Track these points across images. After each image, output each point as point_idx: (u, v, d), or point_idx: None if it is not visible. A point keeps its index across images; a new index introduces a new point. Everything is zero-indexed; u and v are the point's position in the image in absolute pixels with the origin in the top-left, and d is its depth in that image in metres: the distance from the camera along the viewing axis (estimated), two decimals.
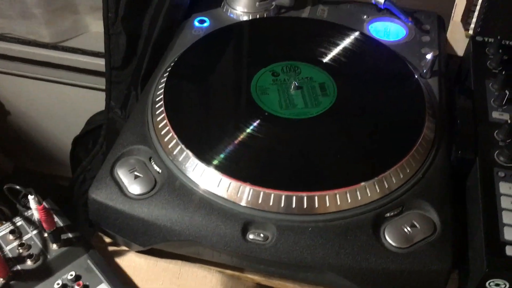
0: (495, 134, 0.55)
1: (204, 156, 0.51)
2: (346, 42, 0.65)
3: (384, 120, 0.57)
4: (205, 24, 0.70)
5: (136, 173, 0.52)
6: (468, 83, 0.63)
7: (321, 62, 0.62)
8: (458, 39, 0.71)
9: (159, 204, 0.50)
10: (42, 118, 1.21)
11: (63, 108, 1.17)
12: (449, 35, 0.71)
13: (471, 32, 0.69)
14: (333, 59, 0.63)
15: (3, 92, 1.17)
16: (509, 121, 0.55)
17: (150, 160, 0.53)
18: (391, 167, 0.51)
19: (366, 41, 0.66)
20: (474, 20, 0.68)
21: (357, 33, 0.66)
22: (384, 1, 0.68)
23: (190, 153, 0.51)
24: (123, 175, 0.52)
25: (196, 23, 0.70)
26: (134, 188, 0.51)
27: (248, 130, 0.54)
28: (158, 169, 0.52)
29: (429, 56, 0.61)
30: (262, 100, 0.57)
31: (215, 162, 0.51)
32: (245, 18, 0.70)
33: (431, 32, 0.70)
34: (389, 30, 0.70)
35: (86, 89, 1.08)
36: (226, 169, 0.50)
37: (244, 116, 0.56)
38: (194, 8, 0.73)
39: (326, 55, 0.63)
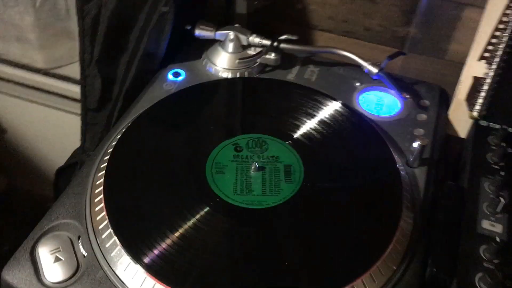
0: (480, 251, 0.47)
1: (132, 247, 0.44)
2: (325, 115, 0.58)
3: (350, 221, 0.49)
4: (180, 78, 0.64)
5: (58, 254, 0.46)
6: (462, 178, 0.55)
7: (292, 138, 0.55)
8: (461, 119, 0.63)
9: None
10: (38, 140, 1.19)
11: (57, 133, 1.14)
12: (451, 113, 0.63)
13: (475, 114, 0.61)
14: (306, 136, 0.55)
15: (1, 110, 1.15)
16: (498, 240, 0.47)
17: (78, 240, 0.47)
18: (348, 284, 0.43)
19: (349, 116, 0.58)
20: (480, 101, 0.60)
21: (339, 106, 0.59)
22: (378, 71, 0.60)
23: (117, 241, 0.45)
24: (43, 256, 0.46)
25: (170, 76, 0.64)
26: (52, 273, 0.45)
27: (192, 221, 0.47)
28: (84, 252, 0.46)
29: (415, 145, 0.53)
30: (215, 181, 0.50)
31: (143, 258, 0.44)
32: (224, 75, 0.64)
33: (430, 109, 0.62)
34: (382, 103, 0.62)
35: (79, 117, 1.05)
36: (155, 269, 0.43)
37: (189, 201, 0.49)
38: (173, 57, 0.67)
39: (298, 129, 0.56)
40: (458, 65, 0.70)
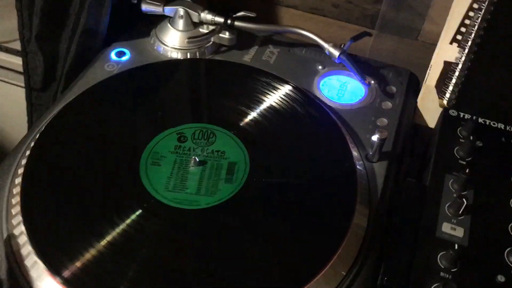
0: (438, 259, 0.42)
1: (50, 259, 0.39)
2: (278, 102, 0.52)
3: (296, 222, 0.44)
4: (124, 58, 0.58)
5: None
6: (425, 175, 0.50)
7: (240, 130, 0.50)
8: (431, 107, 0.57)
9: None
10: None
11: (15, 109, 1.08)
12: (420, 100, 0.58)
13: (445, 102, 0.56)
14: (257, 127, 0.50)
15: None
16: (456, 246, 0.42)
17: None
18: None
19: (304, 104, 0.52)
20: (450, 88, 0.55)
21: (293, 92, 0.53)
22: (339, 54, 0.54)
23: (33, 252, 0.40)
24: None
25: (113, 56, 0.58)
26: None
27: (112, 218, 0.42)
28: None
29: (374, 138, 0.48)
30: (148, 173, 0.45)
31: (62, 271, 0.39)
32: (174, 55, 0.58)
33: (397, 96, 0.57)
34: (345, 88, 0.57)
35: None
36: (75, 284, 0.38)
37: (115, 195, 0.44)
38: (118, 35, 0.61)
39: (249, 119, 0.51)
40: (432, 47, 0.64)
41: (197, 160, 0.46)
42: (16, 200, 0.43)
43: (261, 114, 0.51)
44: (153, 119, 0.51)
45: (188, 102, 0.54)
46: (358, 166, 0.48)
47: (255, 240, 0.42)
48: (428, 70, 0.56)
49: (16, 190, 0.44)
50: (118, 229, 0.41)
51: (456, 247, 0.42)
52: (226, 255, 0.41)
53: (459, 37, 0.53)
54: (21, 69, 0.90)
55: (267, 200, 0.45)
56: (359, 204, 0.45)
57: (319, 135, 0.50)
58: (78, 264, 0.39)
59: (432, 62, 0.56)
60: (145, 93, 0.53)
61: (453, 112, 0.54)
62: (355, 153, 0.49)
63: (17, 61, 0.91)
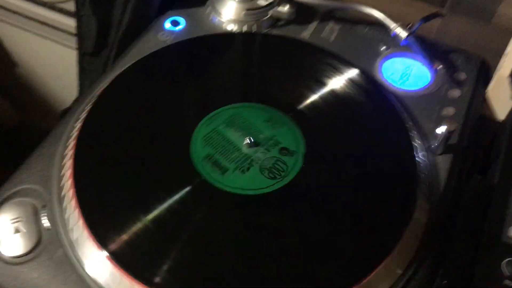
0: (502, 265, 0.39)
1: (97, 228, 0.39)
2: (337, 84, 0.49)
3: (351, 216, 0.42)
4: (179, 27, 0.56)
5: (18, 225, 0.41)
6: (492, 172, 0.47)
7: (298, 113, 0.47)
8: (502, 98, 0.53)
9: (28, 275, 0.39)
10: (49, 76, 1.14)
11: (68, 70, 1.09)
12: (490, 91, 0.54)
13: None
14: (311, 109, 0.48)
15: (11, 43, 1.10)
16: None
17: (44, 209, 0.42)
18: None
19: (365, 87, 0.49)
20: None
21: (354, 73, 0.50)
22: (407, 36, 0.51)
23: (81, 219, 0.39)
24: (2, 226, 0.41)
25: (168, 25, 0.56)
26: (9, 246, 0.40)
27: (167, 203, 0.40)
28: (48, 225, 0.41)
29: (441, 130, 0.44)
30: (197, 152, 0.44)
31: (110, 243, 0.38)
32: (229, 27, 0.56)
33: (466, 84, 0.53)
34: (409, 73, 0.53)
35: None
36: (122, 258, 0.37)
37: (168, 179, 0.42)
38: (173, 3, 0.59)
39: (303, 100, 0.48)
40: (507, 32, 0.60)
41: (252, 140, 0.44)
42: (67, 169, 0.42)
43: (319, 97, 0.48)
44: (207, 96, 0.49)
45: (244, 80, 0.51)
46: (419, 158, 0.45)
47: (312, 229, 0.40)
48: (502, 58, 0.52)
49: (68, 159, 0.43)
50: (165, 205, 0.40)
51: None
52: (283, 245, 0.39)
53: None
54: (74, 31, 0.89)
55: (321, 191, 0.43)
56: (419, 200, 0.42)
57: (380, 123, 0.47)
58: (124, 236, 0.38)
59: (508, 50, 0.51)
60: (198, 68, 0.51)
61: None
62: (417, 144, 0.46)
63: (70, 23, 0.90)
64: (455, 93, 0.52)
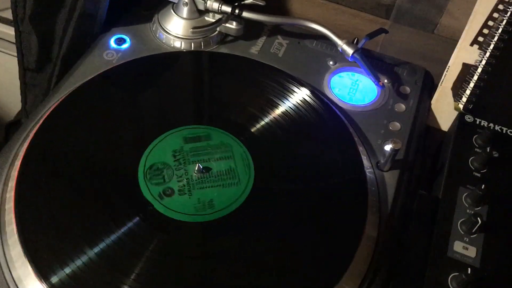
0: (449, 281, 0.41)
1: (39, 262, 0.38)
2: (286, 102, 0.50)
3: (301, 236, 0.42)
4: (124, 46, 0.55)
5: None
6: (437, 185, 0.48)
7: (244, 132, 0.47)
8: (445, 110, 0.55)
9: None
10: None
11: (14, 81, 1.05)
12: (434, 102, 0.55)
13: (461, 106, 0.53)
14: (261, 127, 0.48)
15: None
16: (469, 268, 0.41)
17: None
18: None
19: (315, 105, 0.49)
20: (467, 92, 0.52)
21: (304, 91, 0.50)
22: (353, 53, 0.51)
23: (22, 252, 0.38)
24: None
25: (112, 43, 0.55)
26: None
27: (115, 233, 0.39)
28: None
29: (387, 148, 0.45)
30: (148, 181, 0.43)
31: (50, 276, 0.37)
32: (177, 44, 0.55)
33: (410, 98, 0.54)
34: (356, 87, 0.54)
35: None
36: None
37: (112, 201, 0.41)
38: (118, 20, 0.57)
39: (252, 119, 0.48)
40: (449, 41, 0.61)
41: (201, 167, 0.44)
42: (10, 195, 0.41)
43: (267, 115, 0.49)
44: (152, 119, 0.48)
45: (189, 101, 0.51)
46: (368, 175, 0.46)
47: (260, 257, 0.40)
48: (445, 71, 0.54)
49: (11, 186, 0.41)
50: (113, 237, 0.39)
51: (469, 271, 0.41)
52: (229, 267, 0.39)
53: (480, 39, 0.50)
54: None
55: (272, 209, 0.43)
56: (369, 214, 0.43)
57: (328, 140, 0.48)
58: (66, 270, 0.37)
59: (450, 63, 0.53)
60: (145, 90, 0.50)
61: (469, 118, 0.52)
62: (365, 161, 0.47)
63: (10, 32, 0.86)
64: (401, 107, 0.53)
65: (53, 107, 0.48)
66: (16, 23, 0.60)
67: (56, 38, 0.59)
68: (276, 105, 0.49)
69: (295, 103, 0.50)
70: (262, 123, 0.48)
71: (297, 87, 0.51)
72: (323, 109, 0.49)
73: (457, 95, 0.53)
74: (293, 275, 0.40)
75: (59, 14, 0.57)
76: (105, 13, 0.55)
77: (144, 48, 0.55)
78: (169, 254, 0.39)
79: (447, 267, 0.41)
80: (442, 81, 0.54)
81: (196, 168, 0.44)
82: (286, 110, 0.49)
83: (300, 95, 0.50)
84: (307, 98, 0.50)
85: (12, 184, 0.42)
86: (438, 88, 0.55)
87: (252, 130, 0.47)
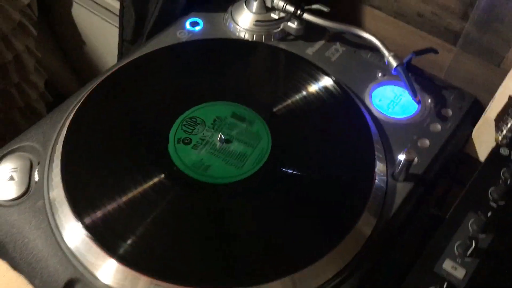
0: None
1: (73, 197, 0.45)
2: (316, 96, 0.53)
3: (302, 214, 0.45)
4: (197, 28, 0.62)
5: (13, 173, 0.48)
6: (448, 206, 0.48)
7: (272, 116, 0.51)
8: (486, 140, 0.54)
9: (10, 217, 0.46)
10: (110, 56, 1.23)
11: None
12: (475, 131, 0.55)
13: (500, 138, 0.52)
14: (289, 116, 0.52)
15: (82, 25, 1.20)
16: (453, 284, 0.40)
17: (37, 165, 0.49)
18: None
19: (342, 103, 0.52)
20: (508, 126, 0.51)
21: (335, 89, 0.54)
22: (396, 66, 0.53)
23: (62, 186, 0.45)
24: (2, 171, 0.48)
25: (187, 25, 0.62)
26: (2, 191, 0.47)
27: (143, 186, 0.46)
28: (37, 179, 0.48)
29: (401, 158, 0.47)
30: (176, 141, 0.49)
31: (82, 213, 0.44)
32: (241, 34, 0.61)
33: (450, 121, 0.54)
34: (398, 101, 0.56)
35: None
36: (93, 229, 0.43)
37: (145, 166, 0.47)
38: (198, 6, 0.64)
39: (280, 104, 0.53)
40: None
41: (223, 138, 0.49)
42: (62, 137, 0.49)
43: (296, 104, 0.53)
44: (211, 86, 0.55)
45: (229, 81, 0.56)
46: (378, 180, 0.47)
47: (258, 222, 0.45)
48: (491, 101, 0.53)
49: (65, 130, 0.49)
50: (140, 189, 0.46)
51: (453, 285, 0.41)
52: (227, 232, 0.44)
53: None
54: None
55: (279, 188, 0.47)
56: (367, 212, 0.45)
57: (348, 137, 0.50)
58: (99, 213, 0.44)
59: (496, 94, 0.52)
60: (195, 67, 0.57)
61: (504, 151, 0.50)
62: (381, 167, 0.48)
63: (117, 5, 0.98)
64: (437, 127, 0.53)
65: (110, 73, 0.56)
66: None
67: (149, 15, 0.68)
68: (303, 96, 0.53)
69: (321, 96, 0.53)
70: (289, 110, 0.52)
71: (327, 82, 0.54)
72: (350, 108, 0.52)
73: (498, 127, 0.52)
74: (282, 244, 0.43)
75: None
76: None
77: (213, 33, 0.61)
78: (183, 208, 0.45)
79: (429, 279, 0.42)
80: (487, 111, 0.53)
81: (219, 138, 0.49)
82: (312, 101, 0.53)
83: (329, 90, 0.54)
84: (335, 94, 0.53)
85: (65, 129, 0.50)
86: (482, 116, 0.54)
87: (278, 114, 0.52)
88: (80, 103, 0.51)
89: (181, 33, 0.61)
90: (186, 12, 0.64)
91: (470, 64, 0.63)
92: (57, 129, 0.51)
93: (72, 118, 0.50)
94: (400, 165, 0.47)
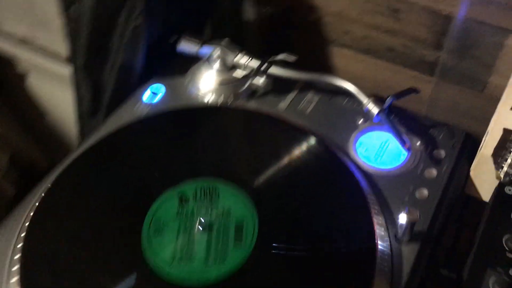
0: None
1: None
2: (298, 159, 0.48)
3: None
4: (158, 97, 0.57)
5: None
6: (467, 263, 0.43)
7: (249, 185, 0.46)
8: (486, 178, 0.50)
9: None
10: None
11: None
12: (473, 169, 0.50)
13: (502, 176, 0.48)
14: (268, 183, 0.46)
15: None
16: None
17: None
18: None
19: (329, 164, 0.47)
20: (509, 162, 0.47)
21: (319, 149, 0.49)
22: (378, 113, 0.49)
23: None
24: None
25: (147, 94, 0.57)
26: None
27: None
28: None
29: (402, 220, 0.42)
30: (152, 245, 0.42)
31: None
32: (207, 97, 0.56)
33: (445, 163, 0.50)
34: (385, 148, 0.51)
35: None
36: None
37: (115, 272, 0.41)
38: (157, 72, 0.59)
39: (259, 173, 0.47)
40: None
41: (203, 221, 0.43)
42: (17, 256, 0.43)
43: (277, 170, 0.47)
44: (152, 178, 0.48)
45: (195, 153, 0.51)
46: (381, 248, 0.42)
47: None
48: (484, 136, 0.49)
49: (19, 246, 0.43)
50: None
51: None
52: None
53: None
54: None
55: (276, 271, 0.41)
56: None
57: (340, 203, 0.45)
58: None
59: (489, 128, 0.48)
60: (161, 144, 0.51)
61: (509, 190, 0.46)
62: (382, 231, 0.43)
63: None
64: (432, 173, 0.49)
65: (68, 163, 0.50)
66: (75, 71, 0.65)
67: (105, 85, 0.63)
68: (285, 160, 0.48)
69: (305, 159, 0.48)
70: (270, 176, 0.47)
71: (309, 141, 0.49)
72: (338, 168, 0.47)
73: (497, 163, 0.48)
74: None
75: (105, 66, 0.61)
76: (141, 67, 0.57)
77: (176, 99, 0.56)
78: None
79: None
80: (482, 147, 0.49)
81: (197, 225, 0.43)
82: (295, 166, 0.48)
83: (312, 150, 0.49)
84: (320, 154, 0.48)
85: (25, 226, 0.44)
86: (477, 154, 0.50)
87: (258, 183, 0.46)
88: (35, 209, 0.45)
89: (141, 106, 0.56)
90: (145, 78, 0.59)
91: (452, 93, 0.60)
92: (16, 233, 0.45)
93: (28, 226, 0.44)
94: (403, 228, 0.42)
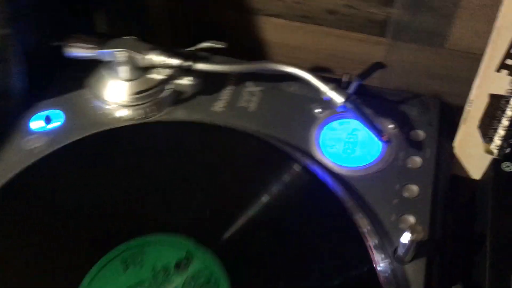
0: None
1: None
2: (263, 176, 0.38)
3: None
4: (53, 124, 0.42)
5: None
6: (476, 268, 0.36)
7: (209, 236, 0.35)
8: (473, 153, 0.42)
9: None
10: None
11: None
12: (458, 146, 0.43)
13: (494, 151, 0.40)
14: (223, 230, 0.35)
15: None
16: None
17: None
18: None
19: (299, 180, 0.37)
20: (501, 133, 0.39)
21: (280, 159, 0.38)
22: (344, 101, 0.39)
23: None
24: None
25: (37, 124, 0.42)
26: None
27: None
28: None
29: (405, 240, 0.33)
30: None
31: None
32: (119, 113, 0.43)
33: (426, 146, 0.41)
34: (354, 140, 0.42)
35: None
36: None
37: None
38: (44, 91, 0.45)
39: (217, 216, 0.36)
40: (465, 55, 0.49)
41: None
42: None
43: (232, 203, 0.37)
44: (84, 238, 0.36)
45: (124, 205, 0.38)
46: (381, 273, 0.34)
47: None
48: (466, 106, 0.41)
49: None
50: None
51: None
52: None
53: (509, 61, 0.38)
54: None
55: None
56: None
57: (320, 233, 0.35)
58: None
59: (472, 96, 0.40)
60: (74, 190, 0.38)
61: (507, 166, 0.39)
62: (376, 252, 0.35)
63: None
64: (416, 161, 0.40)
65: None
66: None
67: None
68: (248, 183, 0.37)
69: (272, 175, 0.38)
70: (226, 218, 0.36)
71: (269, 153, 0.39)
72: (310, 184, 0.37)
73: (486, 135, 0.41)
74: None
75: None
76: (21, 88, 0.43)
77: (79, 123, 0.42)
78: None
79: None
80: (465, 119, 0.41)
81: None
82: (263, 185, 0.37)
83: (278, 164, 0.38)
84: (284, 167, 0.38)
85: None
86: (460, 127, 0.42)
87: (215, 231, 0.35)
88: None
89: (29, 141, 0.42)
90: (28, 106, 0.44)
91: (409, 53, 0.51)
92: None
93: None
94: (405, 248, 0.33)
